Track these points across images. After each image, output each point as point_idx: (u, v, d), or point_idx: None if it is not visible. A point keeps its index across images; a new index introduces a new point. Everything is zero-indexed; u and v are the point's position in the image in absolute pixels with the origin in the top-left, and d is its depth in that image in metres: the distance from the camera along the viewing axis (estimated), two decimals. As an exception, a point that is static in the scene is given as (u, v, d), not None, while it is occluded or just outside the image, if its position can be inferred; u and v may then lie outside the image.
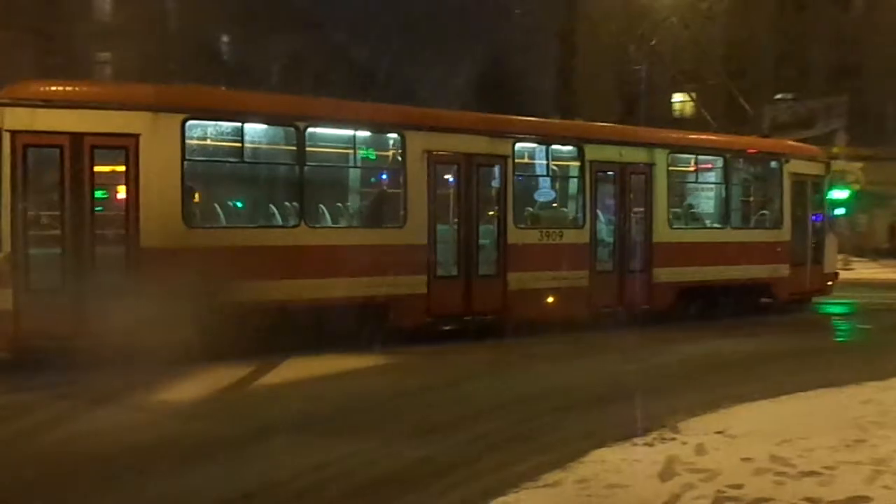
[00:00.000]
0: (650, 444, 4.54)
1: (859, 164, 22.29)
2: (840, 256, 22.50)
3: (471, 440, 4.89)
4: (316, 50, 29.27)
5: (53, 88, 7.30)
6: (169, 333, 6.28)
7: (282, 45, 28.97)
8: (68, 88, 7.46)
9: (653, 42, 17.39)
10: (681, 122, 35.85)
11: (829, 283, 12.38)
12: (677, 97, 37.54)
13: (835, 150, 22.88)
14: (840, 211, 23.01)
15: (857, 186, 21.99)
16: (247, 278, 7.41)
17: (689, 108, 37.64)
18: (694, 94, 36.95)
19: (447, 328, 8.95)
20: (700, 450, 4.34)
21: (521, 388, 6.56)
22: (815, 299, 12.46)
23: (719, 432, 4.71)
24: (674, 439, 4.63)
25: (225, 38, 30.64)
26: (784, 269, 11.37)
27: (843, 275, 20.48)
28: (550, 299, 9.36)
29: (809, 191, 12.00)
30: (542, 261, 9.33)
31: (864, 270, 21.64)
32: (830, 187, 13.09)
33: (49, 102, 6.99)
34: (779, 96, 35.05)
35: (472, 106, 26.33)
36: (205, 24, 27.36)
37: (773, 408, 5.39)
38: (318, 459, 4.36)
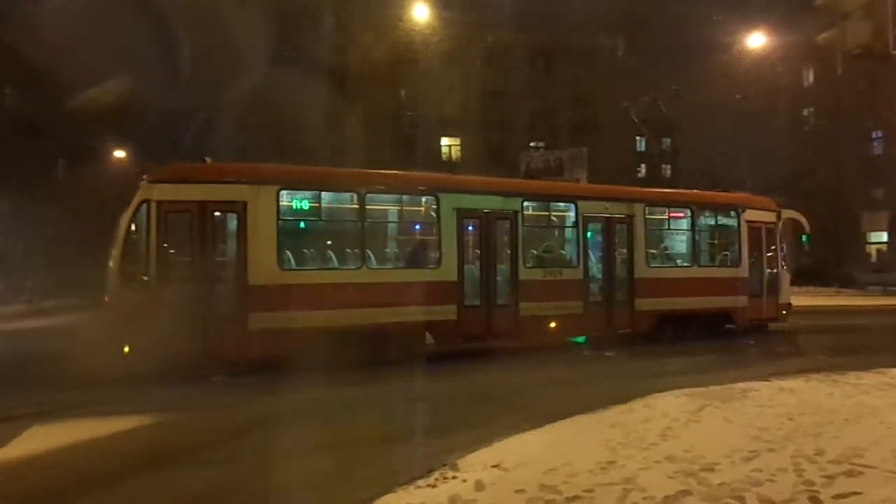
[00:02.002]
0: (433, 486, 4.64)
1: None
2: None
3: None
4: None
5: (185, 169, 9.82)
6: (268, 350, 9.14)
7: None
8: (195, 169, 9.84)
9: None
10: (448, 165, 38.15)
11: (784, 311, 14.43)
12: (445, 140, 39.88)
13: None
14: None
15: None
16: (324, 308, 9.64)
17: (455, 151, 40.23)
18: (459, 140, 39.70)
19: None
20: (479, 486, 4.52)
21: (300, 436, 6.36)
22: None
23: (495, 466, 4.93)
24: (454, 477, 4.77)
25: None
26: (743, 300, 13.47)
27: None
28: (553, 324, 11.48)
29: (763, 235, 14.05)
30: (546, 293, 11.45)
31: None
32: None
33: (182, 180, 9.37)
34: (532, 144, 38.81)
35: (244, 148, 25.56)
36: None
37: (541, 437, 5.72)
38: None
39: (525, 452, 5.24)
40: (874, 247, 36.07)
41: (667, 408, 6.49)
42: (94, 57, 25.20)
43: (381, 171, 11.37)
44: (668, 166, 54.32)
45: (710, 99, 41.06)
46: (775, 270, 14.31)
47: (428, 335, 10.60)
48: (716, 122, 41.44)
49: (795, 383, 7.65)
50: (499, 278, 11.32)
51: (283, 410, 7.31)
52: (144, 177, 9.21)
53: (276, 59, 28.26)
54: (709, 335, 12.76)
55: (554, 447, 5.34)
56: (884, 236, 35.11)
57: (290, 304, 9.38)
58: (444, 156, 39.68)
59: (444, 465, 5.08)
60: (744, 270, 13.63)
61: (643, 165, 54.24)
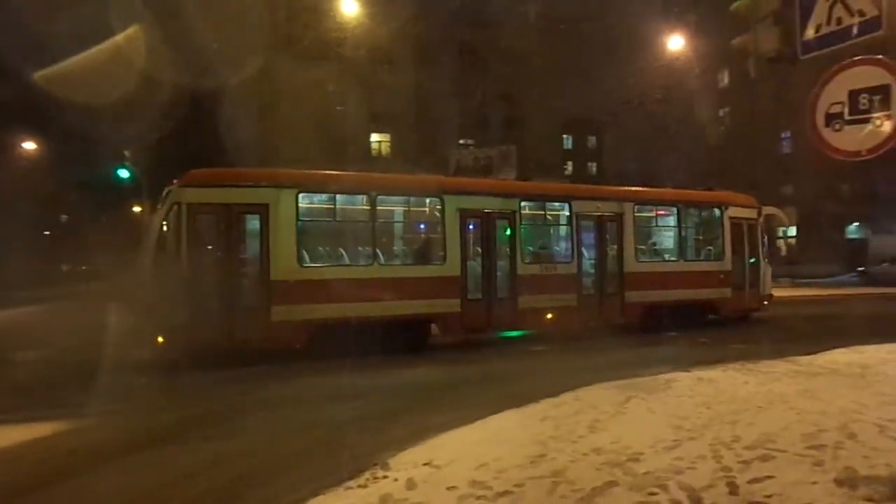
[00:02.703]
0: (363, 486, 4.61)
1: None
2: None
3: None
4: None
5: (213, 174, 10.59)
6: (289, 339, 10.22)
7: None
8: (222, 174, 10.81)
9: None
10: (378, 161, 37.92)
11: (765, 302, 15.47)
12: (375, 136, 39.60)
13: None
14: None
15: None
16: (340, 301, 10.35)
17: (385, 147, 40.02)
18: (389, 136, 39.48)
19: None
20: (410, 484, 4.52)
21: (227, 443, 6.21)
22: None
23: (426, 464, 4.94)
24: (385, 477, 4.75)
25: None
26: (726, 292, 14.37)
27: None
28: (549, 315, 12.21)
29: (745, 230, 14.88)
30: (543, 287, 12.23)
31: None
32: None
33: (208, 185, 10.21)
34: (462, 142, 38.98)
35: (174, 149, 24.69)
36: None
37: (472, 433, 5.76)
38: None
39: (457, 449, 5.26)
40: (784, 241, 38.14)
41: (595, 400, 6.64)
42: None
43: (391, 175, 12.64)
44: (595, 164, 55.79)
45: (633, 98, 42.31)
46: (757, 263, 15.21)
47: (434, 326, 11.62)
48: (639, 120, 42.73)
49: (714, 373, 7.97)
50: (499, 273, 12.10)
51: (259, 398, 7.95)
52: (175, 181, 10.08)
53: (203, 53, 27.37)
54: (696, 325, 13.53)
55: (485, 443, 5.39)
56: (792, 231, 37.14)
57: (308, 297, 10.27)
58: (373, 151, 39.43)
59: (376, 464, 5.05)
60: (727, 264, 14.49)
61: (570, 163, 55.52)
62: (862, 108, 4.30)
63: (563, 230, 13.17)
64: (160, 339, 9.51)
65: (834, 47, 4.52)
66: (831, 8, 4.44)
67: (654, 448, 4.94)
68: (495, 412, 6.32)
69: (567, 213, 12.98)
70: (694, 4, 40.04)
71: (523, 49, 37.12)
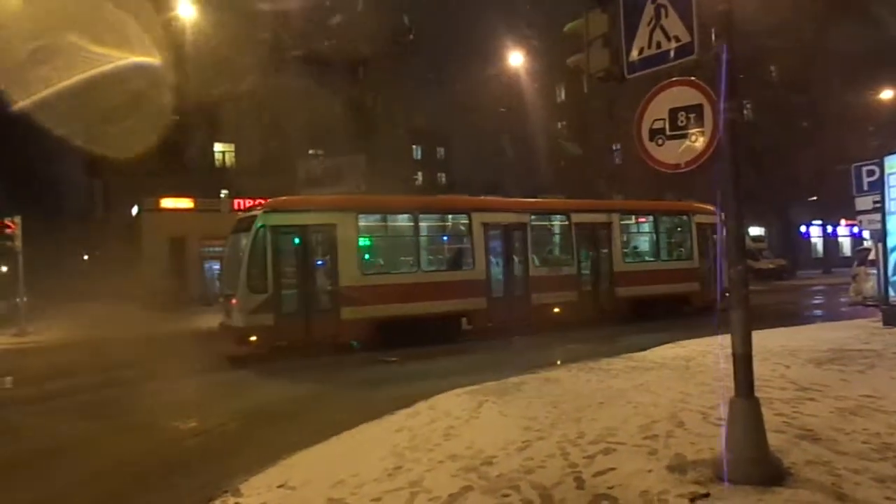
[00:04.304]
0: (213, 516, 4.37)
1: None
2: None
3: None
4: None
5: (291, 202, 13.26)
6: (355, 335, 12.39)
7: None
8: (299, 201, 13.91)
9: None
10: (222, 172, 36.26)
11: (726, 294, 16.42)
12: (219, 146, 37.84)
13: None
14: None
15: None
16: (393, 302, 12.56)
17: (229, 157, 38.35)
18: (233, 146, 37.88)
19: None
20: (263, 510, 4.35)
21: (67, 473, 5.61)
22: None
23: (281, 486, 4.75)
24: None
25: None
26: (696, 286, 16.71)
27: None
28: (556, 309, 14.52)
29: (709, 234, 17.20)
30: (550, 285, 14.62)
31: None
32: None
33: (286, 210, 12.55)
34: (311, 152, 38.25)
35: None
36: None
37: (328, 450, 5.64)
38: None
39: (312, 468, 5.12)
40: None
41: (449, 407, 6.75)
42: None
43: (430, 197, 15.89)
44: (444, 174, 57.07)
45: (478, 111, 43.80)
46: (718, 262, 17.28)
47: (464, 321, 13.79)
48: (484, 132, 44.31)
49: (559, 373, 8.40)
50: (516, 275, 14.51)
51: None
52: (258, 208, 12.49)
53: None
54: (673, 314, 15.70)
55: (342, 459, 5.29)
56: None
57: (369, 299, 12.33)
58: (217, 162, 37.68)
59: (226, 491, 4.78)
60: (696, 262, 17.04)
61: (420, 173, 56.38)
62: (680, 124, 4.72)
63: (564, 238, 15.67)
64: (253, 338, 11.51)
65: (655, 68, 4.94)
66: (652, 33, 4.85)
67: (505, 450, 5.09)
68: (347, 428, 6.22)
69: (567, 224, 15.54)
70: (534, 24, 42.25)
71: (373, 59, 37.22)
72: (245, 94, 31.20)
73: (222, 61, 30.87)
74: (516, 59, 31.15)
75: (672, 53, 4.74)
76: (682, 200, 22.28)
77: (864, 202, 12.34)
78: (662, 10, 4.77)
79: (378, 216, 13.57)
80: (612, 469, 4.49)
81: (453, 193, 22.22)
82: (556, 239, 15.98)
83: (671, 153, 4.80)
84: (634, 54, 4.99)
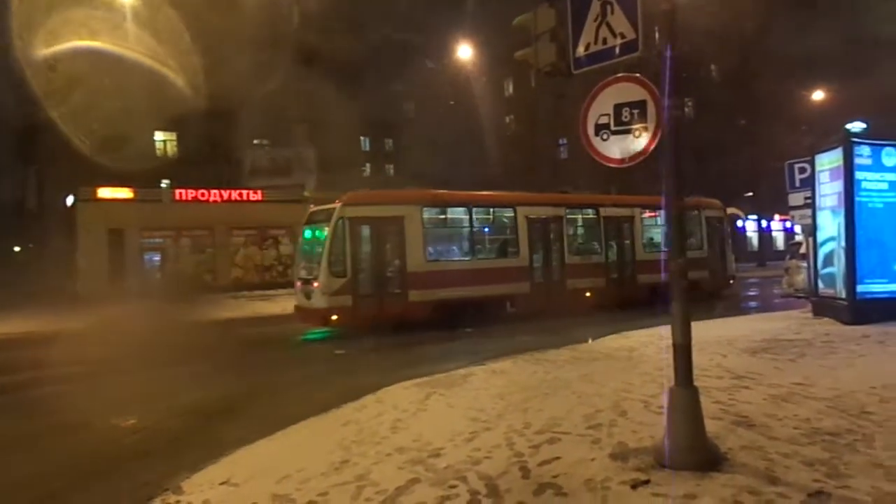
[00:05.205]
0: (153, 515, 4.26)
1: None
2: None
3: None
4: None
5: (366, 195, 14.48)
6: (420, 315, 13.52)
7: None
8: (373, 195, 14.89)
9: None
10: (164, 161, 35.22)
11: (731, 281, 19.84)
12: (159, 135, 36.75)
13: (306, 193, 25.72)
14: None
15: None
16: (452, 286, 14.00)
17: (171, 146, 37.29)
18: (175, 134, 36.82)
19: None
20: (206, 507, 4.26)
21: None
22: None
23: (224, 483, 4.67)
24: (178, 502, 4.42)
25: None
26: (706, 274, 18.13)
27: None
28: (588, 294, 15.91)
29: (716, 226, 19.34)
30: (582, 273, 16.17)
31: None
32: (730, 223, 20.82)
33: (361, 203, 13.72)
34: (256, 141, 37.46)
35: None
36: None
37: (273, 445, 5.56)
38: None
39: (256, 464, 5.04)
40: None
41: (397, 400, 6.74)
42: None
43: (482, 192, 16.28)
44: (392, 166, 56.73)
45: (427, 103, 43.73)
46: (725, 252, 19.59)
47: (508, 304, 15.09)
48: (434, 125, 44.23)
49: (505, 365, 8.49)
50: (554, 263, 16.06)
51: None
52: (337, 202, 13.35)
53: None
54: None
55: (287, 454, 5.22)
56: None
57: (432, 283, 13.77)
58: (158, 151, 36.61)
59: (166, 489, 4.67)
60: (705, 252, 18.69)
61: (368, 165, 55.95)
62: (625, 120, 4.82)
63: (594, 230, 17.16)
64: (334, 318, 12.84)
65: (601, 64, 5.02)
66: (598, 29, 4.93)
67: (453, 442, 5.12)
68: (294, 422, 6.13)
69: (596, 217, 17.12)
70: (484, 17, 42.32)
71: (321, 48, 36.66)
72: (188, 81, 30.33)
73: (165, 46, 29.97)
74: (465, 52, 31.20)
75: (617, 50, 4.82)
76: (625, 195, 23.28)
77: (796, 198, 12.85)
78: (609, 7, 4.85)
79: (438, 209, 14.91)
80: (557, 458, 4.57)
81: (403, 186, 22.07)
82: (588, 231, 17.48)
83: (616, 148, 4.89)
84: (581, 50, 5.06)
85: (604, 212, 17.22)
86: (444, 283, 13.91)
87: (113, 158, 27.03)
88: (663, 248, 17.96)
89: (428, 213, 14.41)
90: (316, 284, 13.04)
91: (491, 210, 16.00)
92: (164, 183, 32.47)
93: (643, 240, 17.86)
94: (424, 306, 13.59)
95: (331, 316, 12.83)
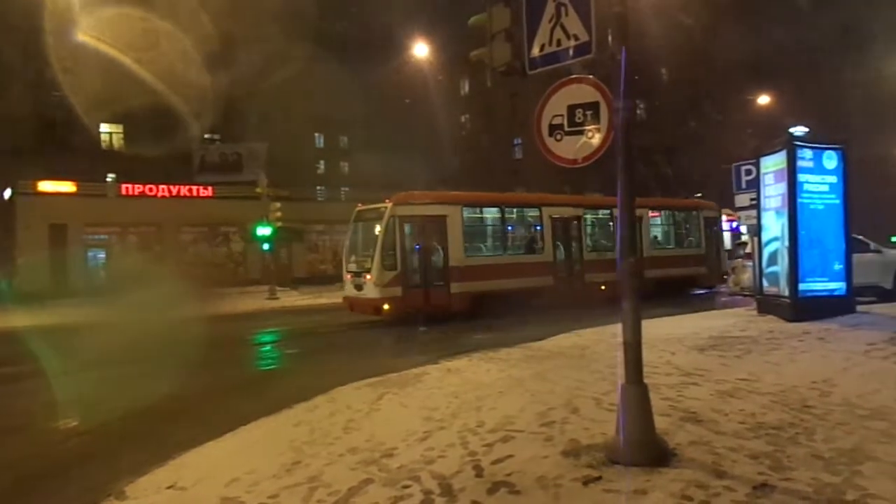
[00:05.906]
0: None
1: (278, 204, 25.00)
2: (265, 287, 24.80)
3: None
4: None
5: (413, 196, 15.56)
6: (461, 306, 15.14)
7: None
8: (420, 195, 15.90)
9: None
10: (110, 154, 34.18)
11: (724, 276, 20.64)
12: (105, 127, 35.64)
13: (258, 190, 25.22)
14: (265, 246, 25.50)
15: (278, 223, 24.64)
16: (487, 279, 15.48)
17: (117, 139, 36.20)
18: (122, 127, 35.74)
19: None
20: (151, 512, 4.14)
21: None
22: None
23: (170, 486, 4.54)
24: (122, 508, 4.29)
25: None
26: (703, 270, 20.36)
27: (271, 304, 22.56)
28: (602, 287, 16.46)
29: (712, 225, 21.16)
30: (599, 268, 17.00)
31: (288, 299, 23.82)
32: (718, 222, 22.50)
33: (410, 203, 15.11)
34: (207, 136, 36.61)
35: None
36: None
37: (223, 447, 5.44)
38: None
39: (205, 466, 4.92)
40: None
41: (349, 400, 6.68)
42: None
43: (512, 194, 18.58)
44: (346, 163, 56.23)
45: (383, 102, 43.46)
46: (720, 249, 21.32)
47: (534, 297, 15.84)
48: (390, 123, 44.00)
49: (460, 363, 8.50)
50: (574, 259, 17.55)
51: None
52: (387, 201, 14.58)
53: None
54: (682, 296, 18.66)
55: (237, 456, 5.11)
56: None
57: (471, 277, 15.16)
58: (104, 144, 35.50)
59: (109, 494, 4.52)
60: (703, 250, 20.62)
61: (322, 162, 55.36)
62: (578, 121, 4.87)
63: (608, 229, 18.49)
64: (386, 307, 14.07)
65: (555, 65, 5.05)
66: (552, 30, 4.95)
67: (406, 441, 5.10)
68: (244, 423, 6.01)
69: (610, 216, 18.41)
70: (438, 15, 42.29)
71: (275, 42, 36.07)
72: (137, 72, 29.47)
73: (112, 35, 29.06)
74: (421, 50, 31.12)
75: (571, 51, 4.86)
76: (576, 195, 24.32)
77: (742, 199, 13.21)
78: (563, 9, 4.88)
79: (476, 209, 16.50)
80: (511, 456, 4.58)
81: (356, 183, 22.04)
82: (602, 229, 18.93)
83: (569, 148, 4.93)
84: (536, 50, 5.08)
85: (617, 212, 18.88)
86: (481, 277, 15.33)
87: (55, 151, 26.10)
88: (667, 246, 20.50)
89: (468, 213, 15.94)
90: (368, 277, 14.35)
91: (520, 210, 17.88)
92: (110, 177, 31.48)
93: (650, 237, 19.58)
94: (464, 297, 15.02)
95: (382, 305, 14.09)
